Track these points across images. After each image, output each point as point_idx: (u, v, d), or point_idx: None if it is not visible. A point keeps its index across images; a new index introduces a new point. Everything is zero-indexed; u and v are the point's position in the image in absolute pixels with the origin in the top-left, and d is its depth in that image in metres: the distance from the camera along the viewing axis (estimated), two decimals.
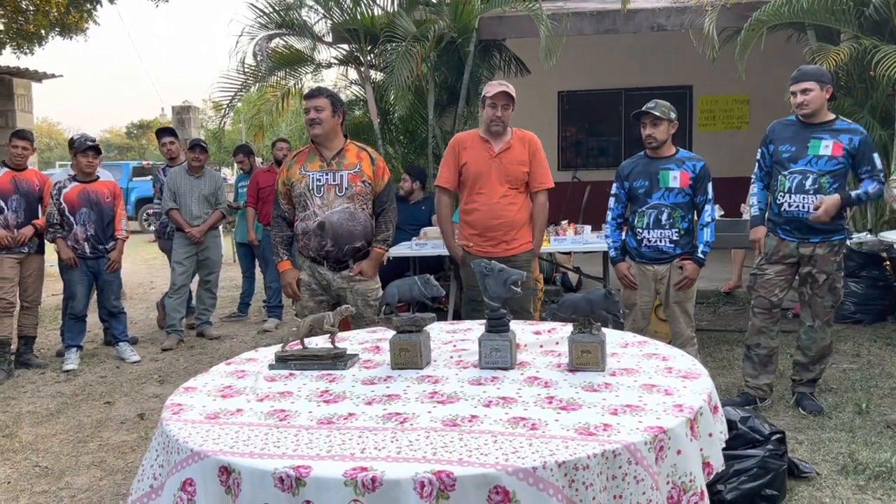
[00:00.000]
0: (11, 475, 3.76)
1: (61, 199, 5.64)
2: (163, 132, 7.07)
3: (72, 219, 5.65)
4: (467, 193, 4.29)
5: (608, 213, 4.32)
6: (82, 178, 5.75)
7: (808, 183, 3.94)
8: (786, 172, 4.00)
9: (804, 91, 3.92)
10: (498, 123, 4.14)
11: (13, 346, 5.71)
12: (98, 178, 5.86)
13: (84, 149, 5.68)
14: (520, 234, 4.24)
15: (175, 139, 6.98)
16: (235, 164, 8.12)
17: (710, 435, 2.04)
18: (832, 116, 4.03)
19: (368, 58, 8.09)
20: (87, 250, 5.71)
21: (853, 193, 3.93)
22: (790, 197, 3.98)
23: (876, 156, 3.98)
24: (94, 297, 5.99)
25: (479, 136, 4.25)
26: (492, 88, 4.12)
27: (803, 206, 3.95)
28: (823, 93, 3.94)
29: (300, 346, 2.62)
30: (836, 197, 3.88)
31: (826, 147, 3.93)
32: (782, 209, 4.03)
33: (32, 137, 5.87)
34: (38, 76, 11.21)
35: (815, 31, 6.66)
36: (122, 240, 5.90)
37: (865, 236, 6.02)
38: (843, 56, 6.06)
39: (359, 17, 7.75)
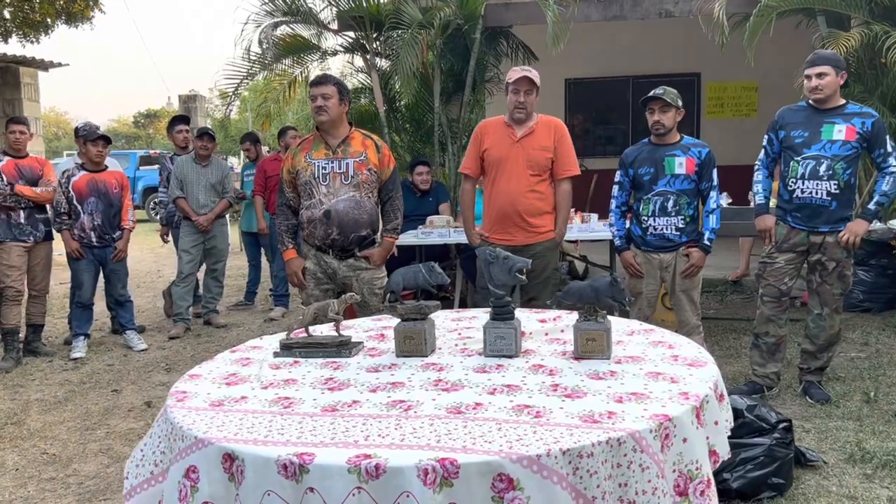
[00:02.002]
0: (19, 462, 3.78)
1: (70, 188, 5.65)
2: (177, 120, 7.08)
3: (79, 208, 5.66)
4: (489, 180, 4.21)
5: (612, 201, 4.28)
6: (91, 168, 5.75)
7: (822, 169, 3.89)
8: (798, 158, 3.95)
9: (819, 75, 3.88)
10: (521, 109, 4.07)
11: (21, 335, 5.74)
12: (106, 167, 5.87)
13: (94, 138, 5.69)
14: (541, 221, 4.15)
15: (189, 127, 6.99)
16: (242, 153, 8.14)
17: (717, 423, 2.03)
18: (843, 101, 3.99)
19: (374, 45, 8.06)
20: (94, 239, 5.72)
21: (873, 205, 3.93)
22: (803, 183, 3.94)
23: (888, 138, 3.95)
24: (102, 285, 6.01)
25: (503, 122, 4.20)
26: (514, 74, 4.06)
27: (816, 193, 3.91)
28: (838, 78, 3.89)
29: (305, 334, 2.62)
30: (860, 222, 3.91)
31: (839, 131, 3.88)
32: (794, 195, 3.98)
33: (28, 123, 5.88)
34: (45, 65, 11.20)
35: (826, 17, 6.58)
36: (129, 230, 5.91)
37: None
38: (853, 42, 5.99)
39: (364, 4, 7.72)
